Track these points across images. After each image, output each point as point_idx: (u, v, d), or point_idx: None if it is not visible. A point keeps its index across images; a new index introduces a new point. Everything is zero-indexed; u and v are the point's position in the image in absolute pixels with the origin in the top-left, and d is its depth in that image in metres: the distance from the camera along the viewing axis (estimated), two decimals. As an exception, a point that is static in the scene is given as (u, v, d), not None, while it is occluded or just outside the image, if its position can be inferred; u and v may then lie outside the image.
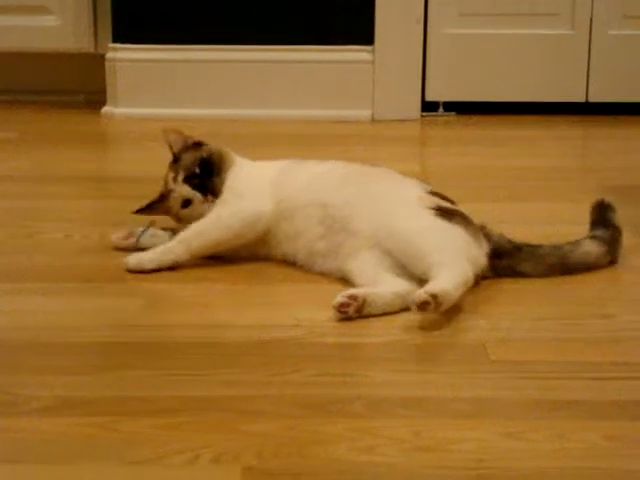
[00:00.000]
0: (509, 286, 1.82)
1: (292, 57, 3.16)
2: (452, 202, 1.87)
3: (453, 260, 1.69)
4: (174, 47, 3.14)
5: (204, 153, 1.96)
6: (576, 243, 1.89)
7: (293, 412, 1.36)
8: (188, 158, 1.96)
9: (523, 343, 1.58)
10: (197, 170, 1.94)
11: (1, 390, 1.42)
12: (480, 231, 1.82)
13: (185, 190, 1.93)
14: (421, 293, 1.60)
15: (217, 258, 1.90)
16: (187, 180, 1.94)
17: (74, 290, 1.79)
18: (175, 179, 1.95)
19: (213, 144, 2.00)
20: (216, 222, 1.89)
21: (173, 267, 1.86)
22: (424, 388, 1.43)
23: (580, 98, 3.22)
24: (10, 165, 2.65)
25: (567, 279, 1.85)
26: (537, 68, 3.20)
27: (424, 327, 1.63)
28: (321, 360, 1.54)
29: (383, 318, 1.68)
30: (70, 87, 3.34)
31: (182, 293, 1.81)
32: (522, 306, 1.74)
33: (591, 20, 3.17)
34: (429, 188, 1.89)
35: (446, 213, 1.79)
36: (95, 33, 3.25)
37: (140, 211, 2.00)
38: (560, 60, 3.20)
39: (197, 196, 1.93)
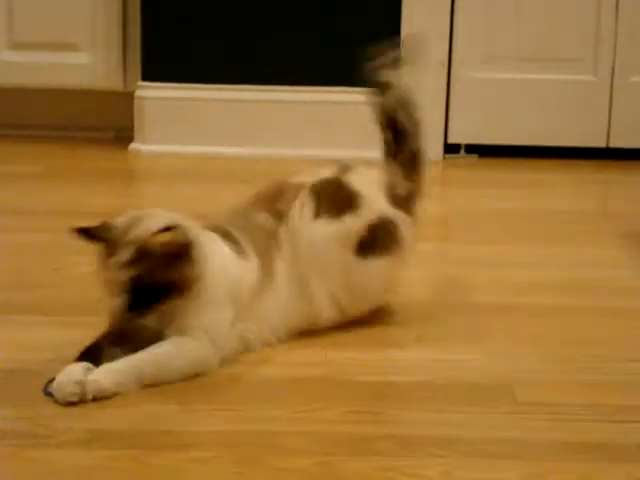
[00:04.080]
0: (535, 329, 1.84)
1: (315, 98, 3.20)
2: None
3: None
4: (202, 86, 3.18)
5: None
6: None
7: (323, 449, 1.38)
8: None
9: (550, 385, 1.60)
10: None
11: (36, 422, 1.44)
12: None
13: None
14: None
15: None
16: None
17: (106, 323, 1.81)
18: None
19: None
20: None
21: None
22: (453, 428, 1.45)
23: (601, 143, 3.25)
24: (38, 199, 2.68)
25: (591, 321, 1.87)
26: (559, 113, 3.23)
27: (451, 368, 1.65)
28: (350, 398, 1.56)
29: (410, 358, 1.71)
30: (99, 124, 3.38)
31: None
32: (548, 348, 1.75)
33: (613, 67, 3.20)
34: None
35: None
36: (124, 71, 3.29)
37: None
38: (582, 106, 3.23)
39: None
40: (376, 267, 1.78)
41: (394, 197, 1.81)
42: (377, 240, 1.78)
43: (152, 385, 1.55)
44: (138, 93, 3.19)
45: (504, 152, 3.23)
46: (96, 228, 1.58)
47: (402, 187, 1.84)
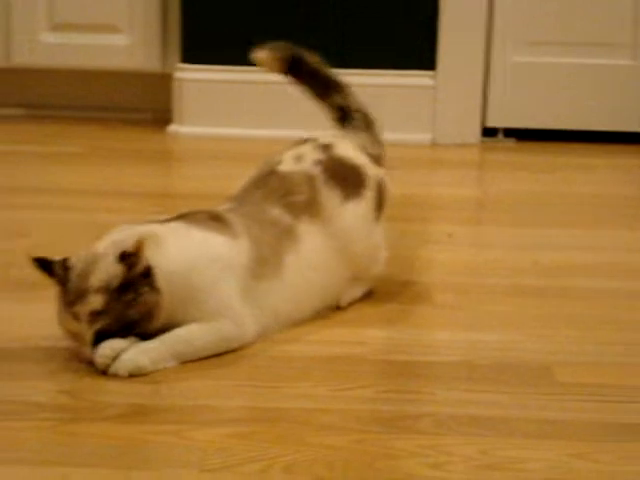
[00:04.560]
0: (572, 311, 1.84)
1: (355, 80, 3.17)
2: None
3: None
4: (240, 68, 3.18)
5: None
6: None
7: (361, 427, 1.39)
8: None
9: (589, 366, 1.60)
10: None
11: (77, 396, 1.46)
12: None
13: None
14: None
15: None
16: None
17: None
18: None
19: None
20: None
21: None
22: (491, 407, 1.45)
23: (640, 128, 3.23)
24: (78, 179, 2.70)
25: (629, 304, 1.87)
26: (598, 97, 3.22)
27: (488, 349, 1.66)
28: (387, 377, 1.57)
29: (447, 338, 1.71)
30: (137, 105, 3.40)
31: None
32: (585, 330, 1.75)
33: (652, 51, 3.19)
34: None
35: None
36: (163, 53, 3.30)
37: None
38: (621, 90, 3.21)
39: None
40: (382, 225, 1.85)
41: (370, 157, 1.87)
42: (381, 201, 1.84)
43: (188, 362, 1.56)
44: (177, 75, 3.20)
45: (542, 136, 3.22)
46: (56, 264, 1.56)
47: (373, 148, 1.91)
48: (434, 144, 3.19)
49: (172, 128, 3.21)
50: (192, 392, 1.48)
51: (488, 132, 3.24)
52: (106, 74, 3.36)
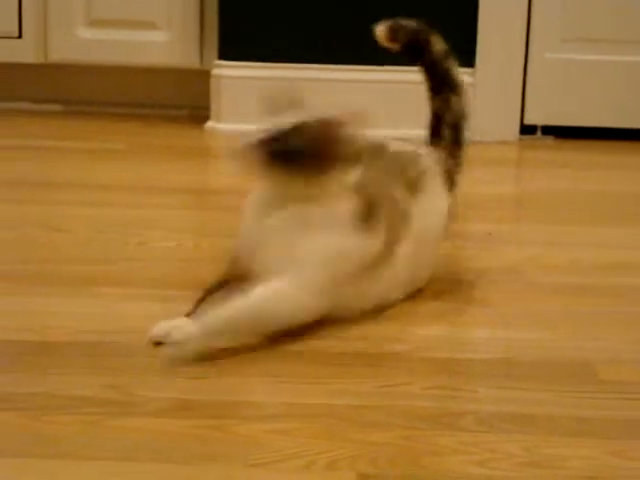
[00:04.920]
0: (615, 309, 1.83)
1: (392, 77, 3.19)
2: None
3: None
4: (278, 65, 3.19)
5: None
6: None
7: (405, 423, 1.39)
8: None
9: (630, 364, 1.59)
10: None
11: (119, 390, 1.47)
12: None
13: None
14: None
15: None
16: None
17: (190, 297, 1.82)
18: None
19: None
20: None
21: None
22: (533, 405, 1.45)
23: (680, 125, 3.21)
24: (118, 175, 2.72)
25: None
26: (637, 95, 3.20)
27: (530, 346, 1.65)
28: (429, 374, 1.57)
29: (487, 336, 1.71)
30: (175, 102, 3.42)
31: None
32: (627, 328, 1.74)
33: (692, 47, 3.16)
34: None
35: None
36: (201, 49, 3.32)
37: None
38: (661, 87, 3.19)
39: None
40: None
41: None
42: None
43: (230, 357, 1.57)
44: (214, 72, 3.21)
45: (581, 134, 3.21)
46: None
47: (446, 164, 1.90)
48: (472, 141, 3.17)
49: (209, 125, 3.23)
50: (234, 387, 1.49)
51: (526, 130, 3.23)
52: (144, 71, 3.38)
